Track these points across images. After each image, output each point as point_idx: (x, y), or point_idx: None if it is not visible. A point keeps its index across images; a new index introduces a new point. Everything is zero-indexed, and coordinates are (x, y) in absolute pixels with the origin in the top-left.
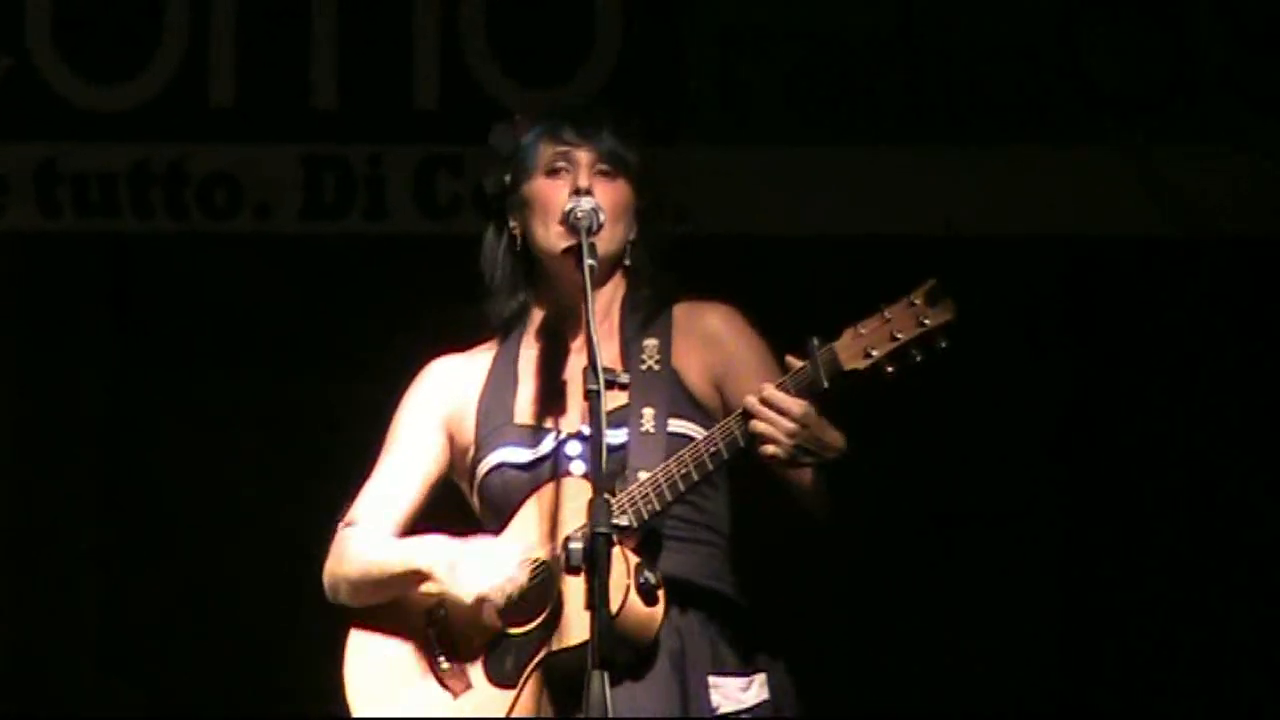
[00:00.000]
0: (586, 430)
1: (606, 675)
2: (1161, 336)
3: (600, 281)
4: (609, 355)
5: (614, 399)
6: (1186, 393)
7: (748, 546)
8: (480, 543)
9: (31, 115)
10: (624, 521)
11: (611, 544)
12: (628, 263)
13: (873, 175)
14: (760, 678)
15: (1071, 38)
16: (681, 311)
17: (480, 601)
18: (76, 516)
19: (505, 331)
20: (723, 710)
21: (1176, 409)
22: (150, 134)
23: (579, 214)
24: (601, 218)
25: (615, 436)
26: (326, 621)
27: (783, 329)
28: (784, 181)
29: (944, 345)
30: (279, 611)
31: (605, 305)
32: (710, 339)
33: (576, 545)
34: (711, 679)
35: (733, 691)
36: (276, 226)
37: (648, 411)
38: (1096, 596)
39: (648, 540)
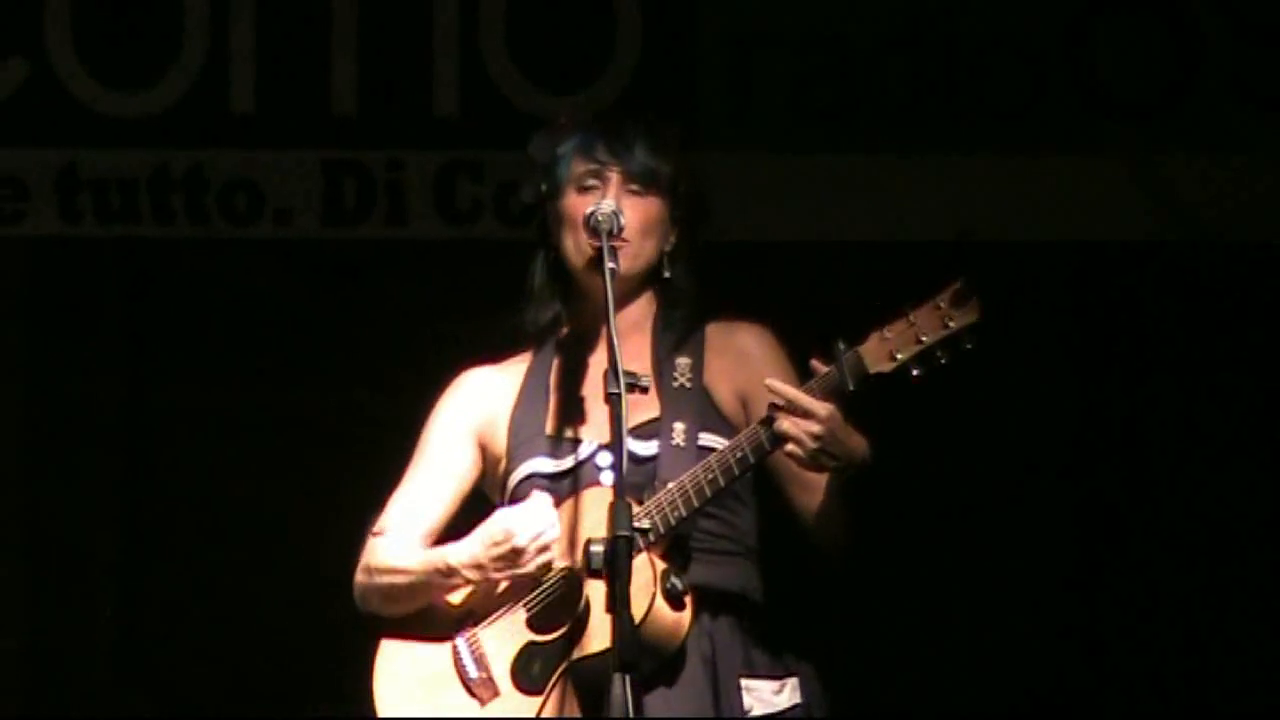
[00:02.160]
0: None
1: (629, 679)
2: (1169, 341)
3: (631, 297)
4: (639, 370)
5: (646, 411)
6: (1195, 397)
7: (776, 558)
8: None
9: (52, 121)
10: (645, 524)
11: (633, 547)
12: (667, 274)
13: (884, 183)
14: (793, 681)
15: (1080, 43)
16: (714, 330)
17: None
18: (93, 524)
19: (539, 343)
20: (755, 713)
21: (1184, 413)
22: (171, 140)
23: (599, 216)
24: (622, 220)
25: (647, 449)
26: (342, 627)
27: (795, 336)
28: (792, 189)
29: (969, 347)
30: (296, 618)
31: (636, 321)
32: (741, 357)
33: (597, 549)
34: (744, 681)
35: (765, 694)
36: (297, 232)
37: (679, 426)
38: (1114, 596)
39: (676, 547)
